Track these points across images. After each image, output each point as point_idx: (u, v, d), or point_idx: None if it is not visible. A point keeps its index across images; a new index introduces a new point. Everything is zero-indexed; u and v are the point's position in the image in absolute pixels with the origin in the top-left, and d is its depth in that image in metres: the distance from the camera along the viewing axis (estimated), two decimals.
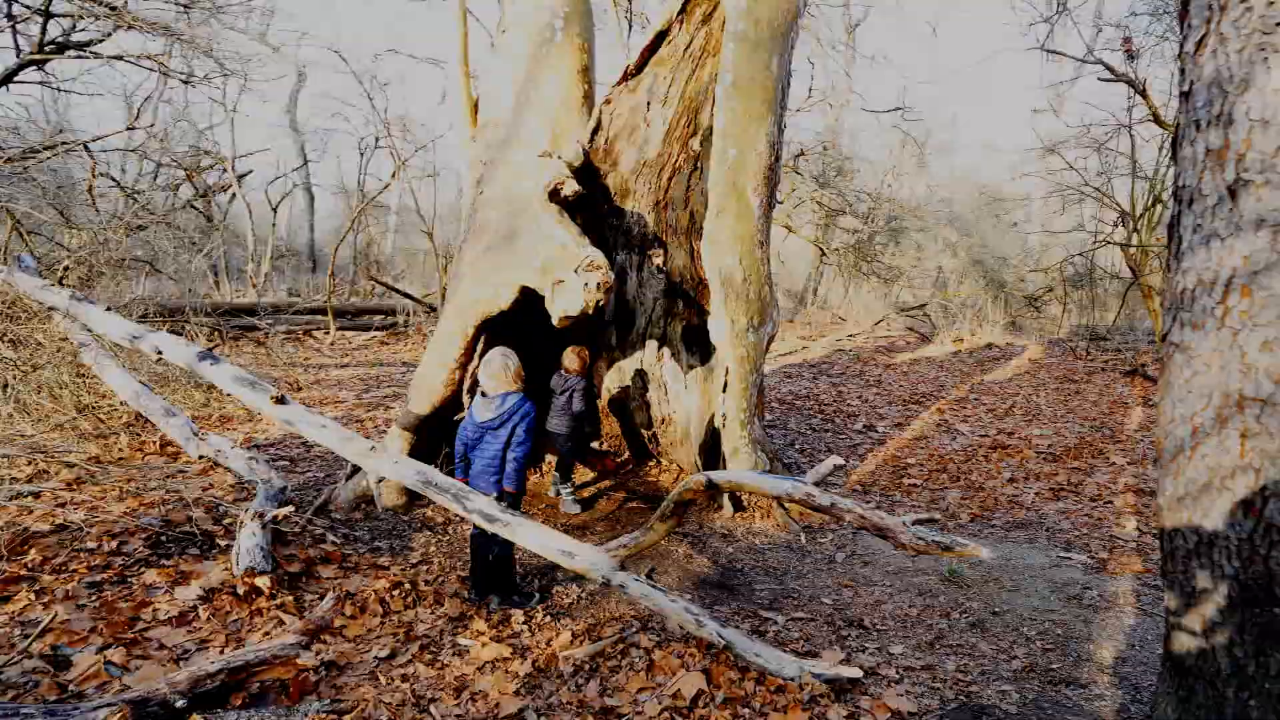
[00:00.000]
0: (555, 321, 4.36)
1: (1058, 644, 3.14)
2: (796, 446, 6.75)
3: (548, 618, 3.45)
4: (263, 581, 3.35)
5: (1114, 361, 13.57)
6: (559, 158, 5.18)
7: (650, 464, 6.03)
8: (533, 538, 3.19)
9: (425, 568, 4.02)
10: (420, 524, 4.67)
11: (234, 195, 19.80)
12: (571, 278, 4.32)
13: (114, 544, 3.57)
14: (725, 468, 5.02)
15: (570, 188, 4.91)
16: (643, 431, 6.03)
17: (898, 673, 2.86)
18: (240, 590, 3.30)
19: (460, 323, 4.85)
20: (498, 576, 3.66)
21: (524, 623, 3.39)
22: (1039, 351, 15.93)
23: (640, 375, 5.86)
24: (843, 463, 2.23)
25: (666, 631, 3.32)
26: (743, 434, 4.67)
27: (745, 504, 5.11)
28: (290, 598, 3.35)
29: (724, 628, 2.87)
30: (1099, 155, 15.31)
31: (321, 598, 3.47)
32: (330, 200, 30.96)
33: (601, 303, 4.31)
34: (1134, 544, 4.34)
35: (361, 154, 22.67)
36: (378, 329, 14.42)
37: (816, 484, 2.26)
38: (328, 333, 13.80)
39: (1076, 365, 13.08)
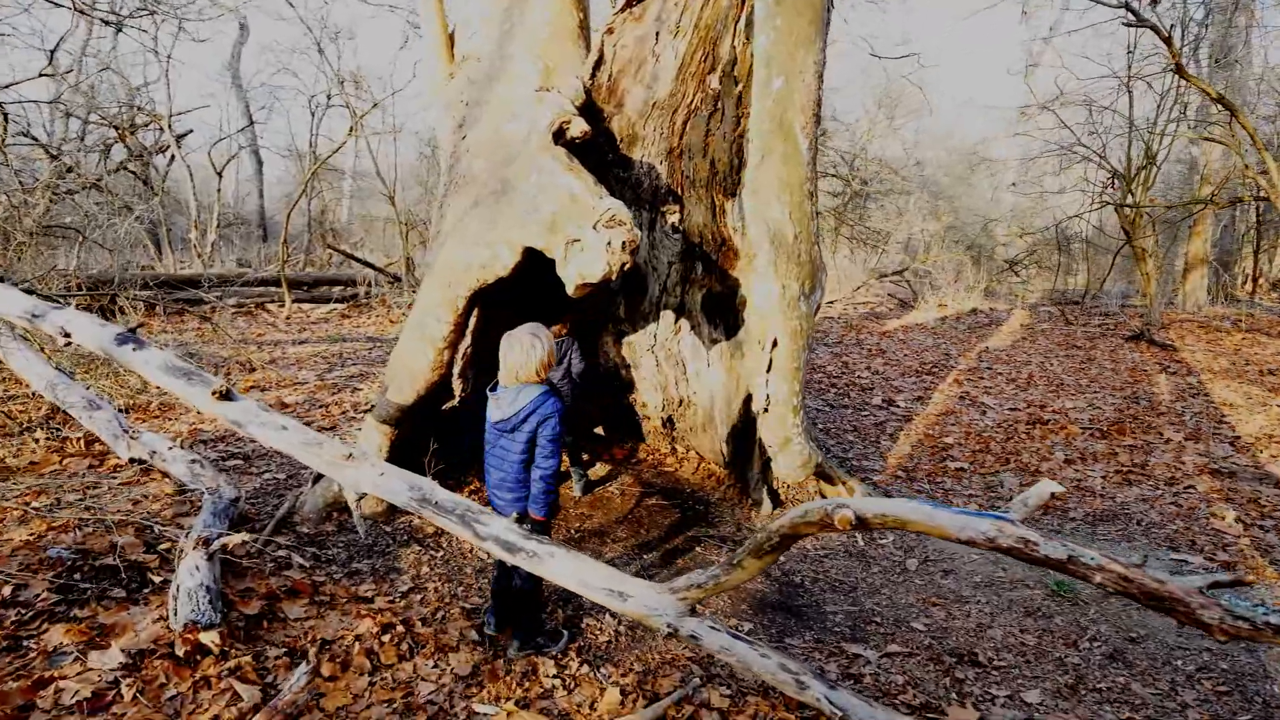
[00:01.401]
0: (571, 290, 3.56)
1: (1230, 684, 2.54)
2: (820, 426, 6.09)
3: (584, 666, 2.72)
4: (210, 637, 2.55)
5: (1108, 326, 13.25)
6: (559, 93, 4.33)
7: (665, 453, 5.31)
8: (569, 572, 2.44)
9: (419, 597, 3.25)
10: (407, 535, 3.89)
11: (173, 157, 18.20)
12: (589, 236, 3.51)
13: (6, 590, 2.71)
14: (763, 460, 4.33)
15: (578, 127, 4.07)
16: (654, 415, 5.29)
17: None
18: (180, 651, 2.49)
19: (447, 293, 4.01)
20: (520, 612, 2.91)
21: (555, 675, 2.65)
22: (1026, 316, 15.60)
23: (654, 351, 5.10)
24: (1061, 489, 1.50)
25: (737, 679, 2.62)
26: (795, 421, 3.97)
27: (783, 498, 4.44)
28: (248, 657, 2.56)
29: (833, 689, 2.17)
30: (1090, 113, 14.82)
31: (290, 652, 2.68)
32: (280, 164, 29.18)
33: (627, 265, 3.52)
34: (1248, 541, 3.78)
35: (312, 113, 21.07)
36: (338, 301, 13.34)
37: (1026, 520, 1.56)
38: (283, 305, 12.68)
39: (1072, 331, 12.71)
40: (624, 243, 3.48)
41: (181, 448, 4.15)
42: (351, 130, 12.05)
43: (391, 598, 3.23)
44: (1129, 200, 13.43)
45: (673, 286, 5.08)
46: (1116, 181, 14.19)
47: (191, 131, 19.41)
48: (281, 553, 3.50)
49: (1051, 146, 15.45)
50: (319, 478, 4.18)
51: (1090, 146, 14.19)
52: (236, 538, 2.87)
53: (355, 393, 7.02)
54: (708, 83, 4.95)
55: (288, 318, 12.21)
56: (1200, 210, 13.31)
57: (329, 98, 20.28)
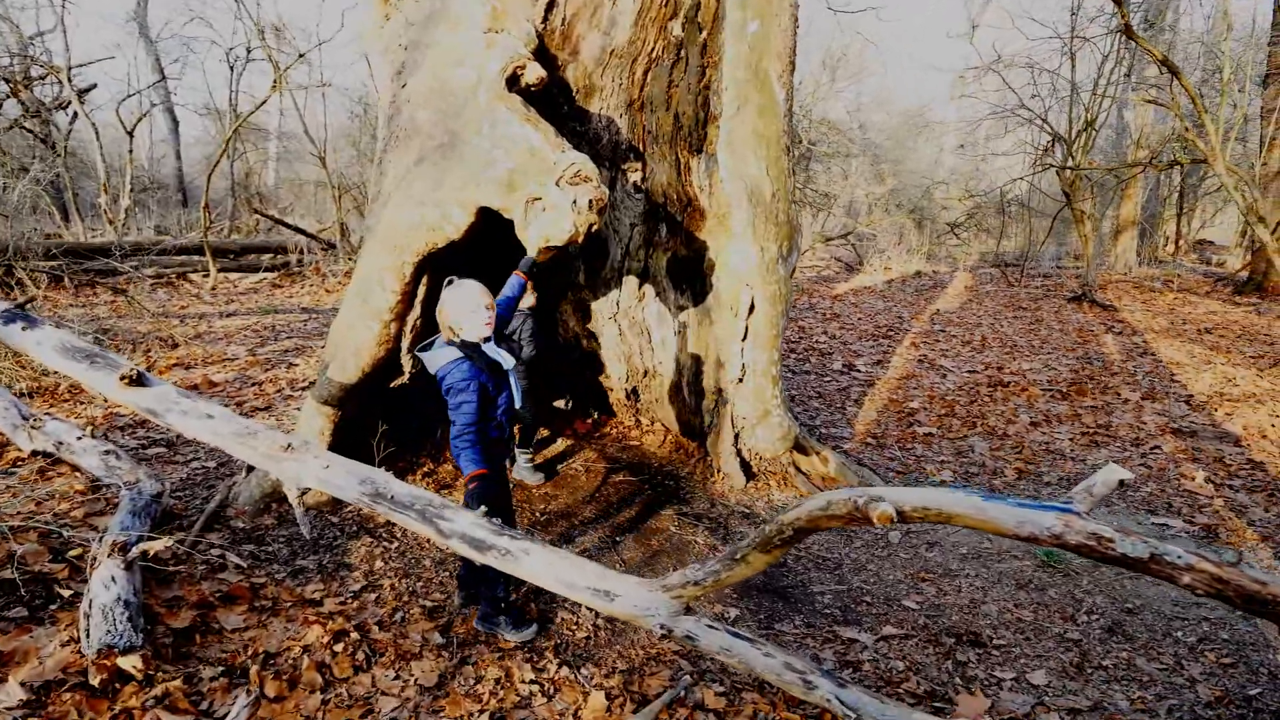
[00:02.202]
0: (532, 253, 3.24)
1: (1234, 655, 2.48)
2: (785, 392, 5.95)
3: (563, 667, 2.49)
4: (131, 661, 2.20)
5: (1048, 288, 13.58)
6: (511, 35, 3.94)
7: (629, 425, 5.07)
8: (547, 571, 2.18)
9: (374, 596, 2.95)
10: (357, 526, 3.55)
11: (75, 114, 16.67)
12: (553, 193, 3.19)
13: None
14: (735, 433, 4.13)
15: (534, 72, 3.70)
16: (617, 387, 5.04)
17: None
18: (95, 680, 2.14)
19: (393, 259, 3.63)
20: (481, 583, 2.70)
21: (532, 680, 2.41)
22: (969, 279, 15.90)
23: (616, 319, 4.82)
24: (1130, 476, 1.31)
25: (730, 674, 2.44)
26: (774, 392, 3.77)
27: (755, 470, 4.26)
28: (178, 681, 2.22)
29: (843, 687, 2.00)
30: (1033, 76, 14.97)
31: (228, 670, 2.36)
32: (199, 124, 27.29)
33: (595, 226, 3.23)
34: (1221, 502, 3.80)
35: (231, 67, 19.58)
36: (267, 270, 12.53)
37: (1091, 510, 1.37)
38: (207, 275, 11.83)
39: (1016, 292, 12.97)
40: (591, 201, 3.17)
41: (94, 436, 3.71)
42: (275, 85, 11.16)
43: (343, 599, 2.92)
44: (1069, 163, 13.67)
45: (636, 250, 4.78)
46: (1057, 145, 14.44)
47: (95, 86, 17.88)
48: (215, 552, 3.13)
49: (995, 109, 15.59)
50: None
51: (1032, 110, 14.35)
52: (160, 542, 2.50)
53: (291, 368, 6.53)
54: (669, 29, 4.61)
55: (213, 289, 11.39)
56: (1138, 173, 13.66)
57: (249, 50, 18.90)
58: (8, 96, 16.30)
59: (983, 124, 17.66)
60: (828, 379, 6.50)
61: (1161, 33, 15.28)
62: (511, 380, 2.78)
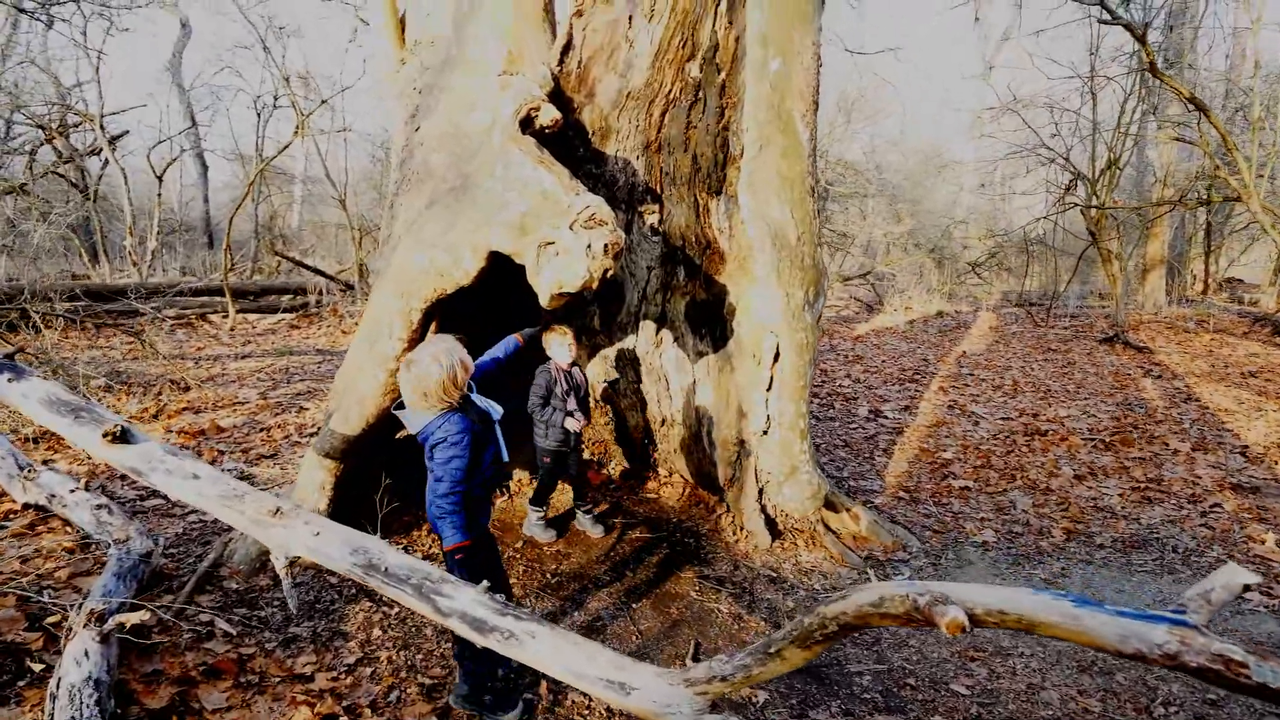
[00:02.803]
0: (545, 300, 3.08)
1: None
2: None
3: None
4: None
5: (1077, 328, 13.23)
6: (526, 78, 3.85)
7: (647, 474, 4.84)
8: (555, 658, 1.95)
9: (369, 671, 2.71)
10: (355, 589, 3.33)
11: (106, 160, 17.09)
12: (565, 238, 3.04)
13: None
14: (759, 486, 3.89)
15: (548, 114, 3.59)
16: (633, 436, 4.82)
17: None
18: None
19: (401, 304, 3.48)
20: (466, 655, 2.47)
21: None
22: (992, 319, 15.58)
23: (634, 365, 4.64)
24: (1256, 580, 1.07)
25: None
26: (802, 446, 3.54)
27: (780, 528, 4.00)
28: None
29: None
30: (1053, 115, 14.86)
31: None
32: (227, 170, 27.92)
33: (610, 272, 3.06)
34: None
35: (258, 114, 20.07)
36: (286, 311, 12.56)
37: (1208, 622, 1.14)
38: (226, 316, 11.87)
39: (1043, 333, 12.64)
40: (606, 245, 3.01)
41: (88, 489, 3.55)
42: (298, 130, 11.33)
43: (336, 673, 2.69)
44: (1094, 202, 13.45)
45: (653, 294, 4.62)
46: (1080, 183, 14.24)
47: (127, 133, 18.32)
48: (204, 618, 2.93)
49: (1015, 149, 15.47)
50: None
51: (1053, 149, 14.19)
52: (137, 614, 2.31)
53: (301, 413, 6.39)
54: (687, 71, 4.51)
55: (231, 329, 11.41)
56: (1166, 211, 13.39)
57: (275, 98, 19.36)
58: (43, 143, 16.76)
59: (1001, 163, 17.54)
60: (854, 426, 6.24)
61: (1182, 71, 15.16)
62: (497, 432, 2.60)
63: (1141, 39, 8.39)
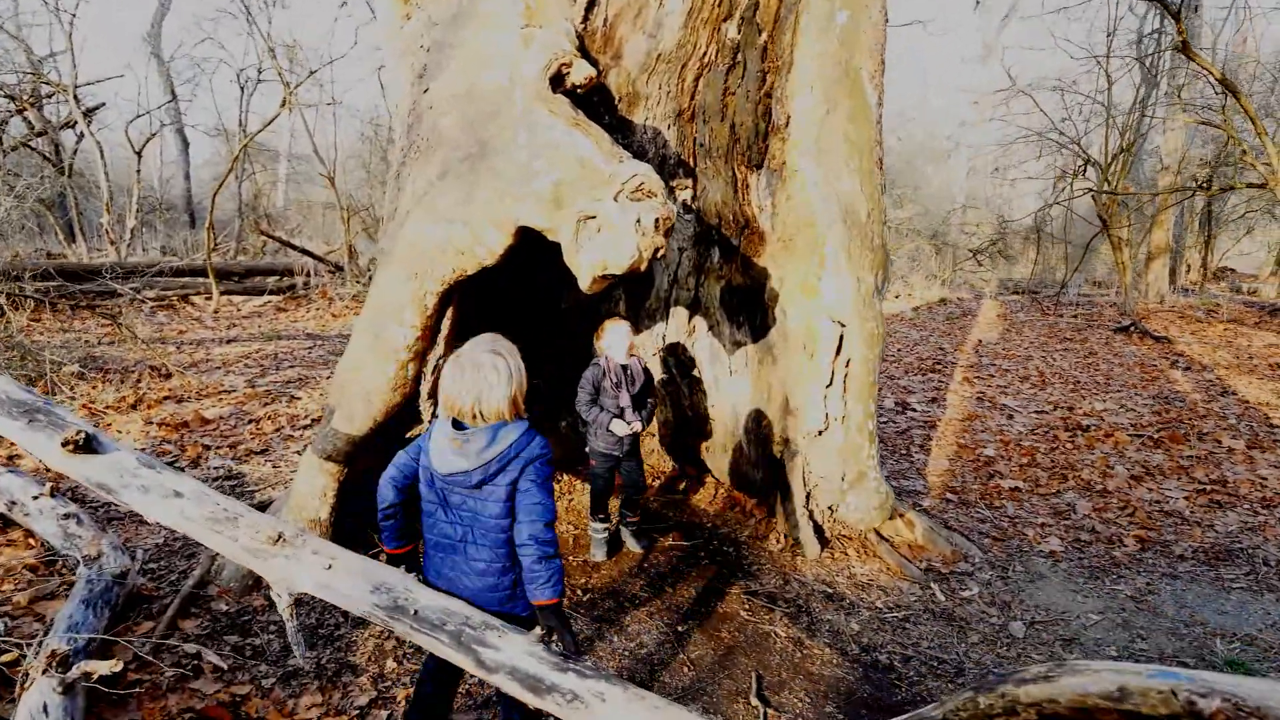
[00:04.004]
0: (586, 283, 2.67)
1: None
2: None
3: None
4: None
5: (1089, 317, 12.97)
6: (551, 30, 3.42)
7: (675, 474, 4.46)
8: None
9: (386, 714, 2.33)
10: None
11: (81, 134, 16.34)
12: (609, 211, 2.63)
13: None
14: (807, 490, 3.52)
15: (582, 71, 3.17)
16: (661, 432, 4.44)
17: None
18: None
19: (414, 285, 3.06)
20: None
21: None
22: (998, 307, 15.31)
23: (668, 355, 4.25)
24: None
25: None
26: (870, 450, 3.17)
27: (828, 535, 3.65)
28: None
29: None
30: (1063, 99, 14.51)
31: None
32: (209, 146, 27.10)
33: (661, 252, 2.66)
34: None
35: (242, 88, 19.33)
36: (272, 293, 12.04)
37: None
38: (210, 298, 11.33)
39: (1054, 322, 12.37)
40: (657, 220, 2.61)
41: (56, 494, 3.11)
42: (284, 103, 10.76)
43: (345, 716, 2.30)
44: (1105, 187, 13.15)
45: (685, 278, 4.22)
46: (1091, 169, 13.93)
47: (104, 105, 17.54)
48: (190, 648, 2.53)
49: (1025, 132, 15.11)
50: None
51: (1065, 133, 13.86)
52: (105, 664, 1.90)
53: (293, 402, 5.95)
54: (723, 31, 4.08)
55: (215, 312, 10.89)
56: (1188, 197, 13.10)
57: (260, 71, 18.63)
58: (13, 114, 16.00)
59: (1002, 149, 17.17)
60: (883, 419, 5.89)
61: (1199, 54, 14.81)
62: None
63: (1176, 15, 8.02)
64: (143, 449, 4.62)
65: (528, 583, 1.82)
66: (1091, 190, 12.95)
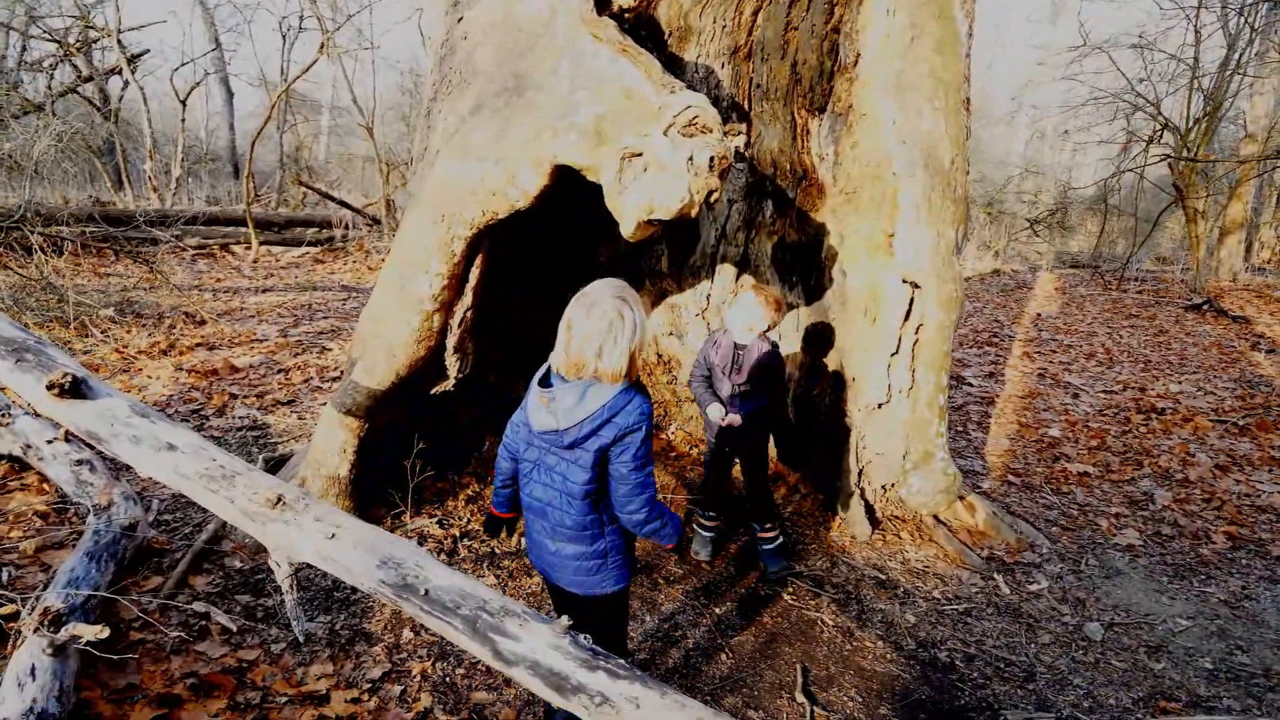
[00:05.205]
0: (628, 229, 2.39)
1: None
2: None
3: None
4: None
5: (1156, 293, 12.23)
6: None
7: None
8: None
9: (398, 690, 2.16)
10: None
11: (127, 82, 16.38)
12: (658, 147, 2.33)
13: None
14: (859, 467, 3.23)
15: None
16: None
17: None
18: None
19: (442, 230, 2.82)
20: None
21: None
22: (1055, 280, 14.56)
23: (705, 316, 3.96)
24: None
25: None
26: (940, 427, 2.87)
27: (879, 516, 3.37)
28: None
29: None
30: (1143, 58, 13.50)
31: None
32: (255, 98, 27.08)
33: (715, 196, 2.36)
34: None
35: (283, 36, 19.16)
36: (311, 244, 11.98)
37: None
38: (249, 248, 11.32)
39: (1119, 297, 11.68)
40: (712, 159, 2.30)
41: (68, 439, 2.99)
42: (323, 47, 10.52)
43: (357, 690, 2.14)
44: (1185, 154, 12.25)
45: (733, 233, 3.90)
46: (1168, 133, 12.99)
47: (148, 51, 17.56)
48: (198, 609, 2.38)
49: (1096, 94, 14.14)
50: (273, 469, 3.05)
51: (1142, 95, 12.91)
52: (90, 630, 1.73)
53: (324, 354, 5.83)
54: None
55: (254, 261, 10.87)
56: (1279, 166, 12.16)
57: (301, 19, 18.40)
58: (61, 59, 16.10)
59: (1069, 112, 16.14)
60: None
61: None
62: None
63: None
64: (170, 395, 4.54)
65: (649, 527, 1.75)
66: (1169, 157, 12.06)
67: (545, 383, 1.70)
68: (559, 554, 1.76)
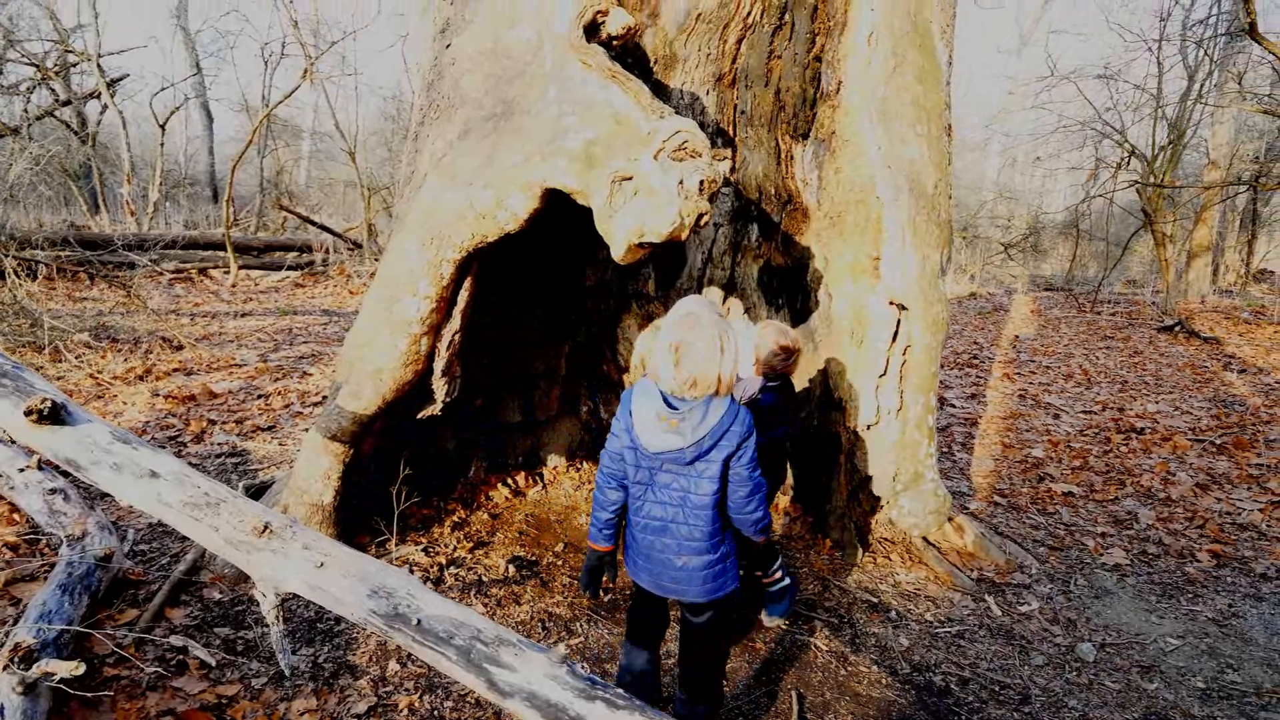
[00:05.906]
0: (619, 252, 2.40)
1: None
2: None
3: None
4: None
5: (1128, 315, 12.49)
6: None
7: None
8: None
9: None
10: None
11: (105, 106, 16.27)
12: (648, 171, 2.35)
13: None
14: (850, 488, 3.23)
15: (619, 20, 2.88)
16: None
17: None
18: None
19: (430, 253, 2.80)
20: None
21: None
22: (1029, 302, 14.84)
23: None
24: None
25: None
26: (929, 448, 2.88)
27: (870, 539, 3.36)
28: None
29: None
30: (1109, 88, 13.93)
31: None
32: (234, 123, 26.98)
33: (705, 219, 2.38)
34: None
35: (265, 62, 19.16)
36: (291, 268, 11.88)
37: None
38: (228, 272, 11.20)
39: (1093, 319, 11.91)
40: (702, 182, 2.32)
41: (42, 467, 2.91)
42: (306, 74, 10.53)
43: None
44: (1150, 180, 12.60)
45: (720, 256, 3.93)
46: (1135, 161, 13.37)
47: (128, 76, 17.46)
48: (175, 640, 2.31)
49: (1065, 123, 14.53)
50: (255, 494, 2.97)
51: (1109, 123, 13.29)
52: (64, 666, 1.67)
53: (304, 378, 5.76)
54: None
55: (233, 286, 10.75)
56: (1243, 191, 12.53)
57: (283, 45, 18.45)
58: (39, 84, 15.95)
59: (1039, 139, 16.57)
60: None
61: (1240, 39, 14.17)
62: None
63: None
64: (146, 421, 4.44)
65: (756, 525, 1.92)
66: (1137, 183, 12.40)
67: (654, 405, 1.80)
68: (686, 568, 1.85)
